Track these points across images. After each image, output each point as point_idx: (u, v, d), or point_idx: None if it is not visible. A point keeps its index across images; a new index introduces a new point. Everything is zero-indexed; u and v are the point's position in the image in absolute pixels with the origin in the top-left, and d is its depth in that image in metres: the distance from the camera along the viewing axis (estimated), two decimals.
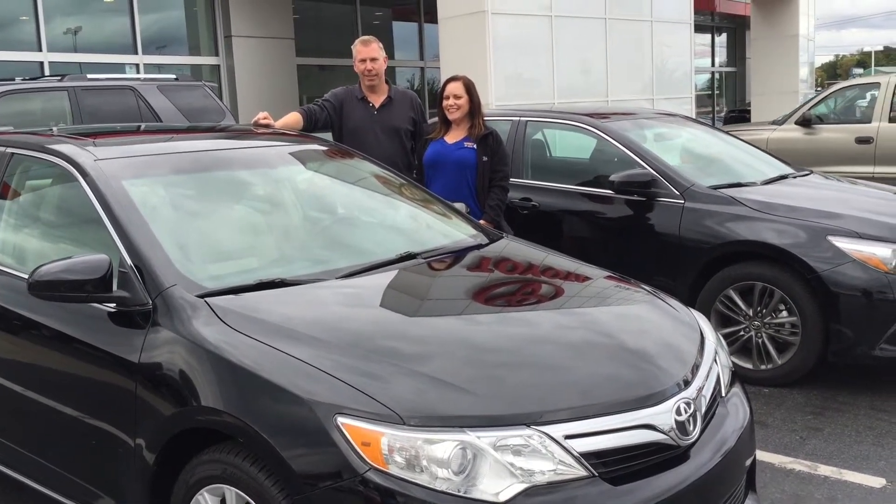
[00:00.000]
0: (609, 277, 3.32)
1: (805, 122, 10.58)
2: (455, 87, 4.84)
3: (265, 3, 13.20)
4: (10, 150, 3.49)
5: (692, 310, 3.19)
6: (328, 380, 2.29)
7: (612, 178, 5.14)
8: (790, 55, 19.64)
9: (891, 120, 10.04)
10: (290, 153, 3.90)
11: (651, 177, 5.11)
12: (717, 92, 24.14)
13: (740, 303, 4.72)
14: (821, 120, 10.69)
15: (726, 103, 24.33)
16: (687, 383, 2.56)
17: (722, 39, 24.84)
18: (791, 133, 10.04)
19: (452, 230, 3.67)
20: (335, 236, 3.49)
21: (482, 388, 2.33)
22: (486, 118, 4.99)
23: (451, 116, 4.84)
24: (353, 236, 3.53)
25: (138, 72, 11.53)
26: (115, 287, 2.71)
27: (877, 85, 10.43)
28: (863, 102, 10.86)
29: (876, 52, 58.87)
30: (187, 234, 3.08)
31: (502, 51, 11.22)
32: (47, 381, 2.96)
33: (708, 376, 2.71)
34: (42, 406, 2.94)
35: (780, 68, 19.17)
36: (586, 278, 3.29)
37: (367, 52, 5.05)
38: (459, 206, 4.08)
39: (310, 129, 4.90)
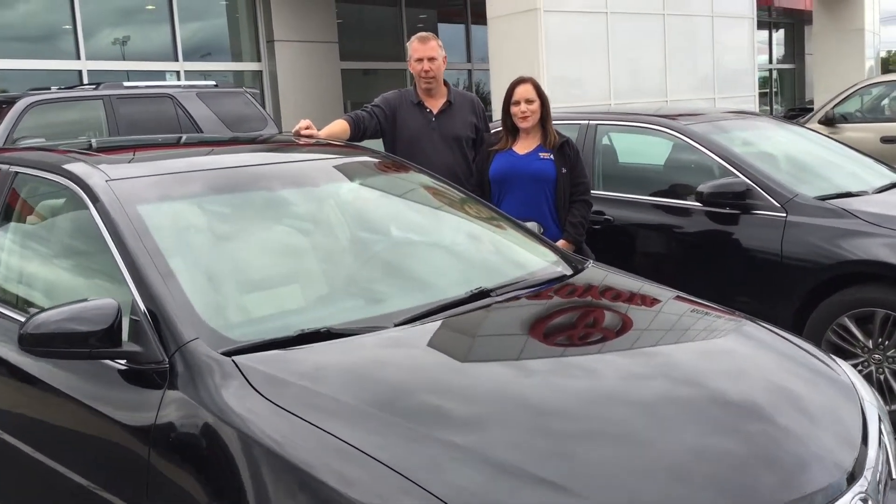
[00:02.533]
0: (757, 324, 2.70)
1: (828, 122, 9.99)
2: (526, 91, 4.17)
3: (308, 7, 12.78)
4: (13, 168, 3.00)
5: (836, 358, 2.57)
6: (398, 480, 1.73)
7: (701, 188, 4.50)
8: (855, 50, 18.75)
9: None
10: (335, 167, 3.35)
11: (746, 186, 4.46)
12: (775, 90, 23.20)
13: (857, 333, 4.06)
14: (845, 119, 10.12)
15: (784, 102, 23.36)
16: (858, 470, 1.95)
17: (779, 36, 23.91)
18: None
19: (529, 256, 3.09)
20: (391, 268, 2.91)
21: (580, 484, 1.73)
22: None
23: (523, 125, 4.19)
24: (412, 267, 2.95)
25: (179, 79, 11.16)
26: (124, 339, 2.20)
27: None
28: (889, 101, 10.19)
29: None
30: (214, 271, 2.54)
31: (555, 50, 10.63)
32: (42, 441, 2.45)
33: (878, 455, 2.10)
34: (46, 469, 2.43)
35: (844, 64, 18.30)
36: (708, 320, 2.68)
37: (424, 50, 4.41)
38: (532, 225, 3.49)
39: (357, 137, 4.31)
